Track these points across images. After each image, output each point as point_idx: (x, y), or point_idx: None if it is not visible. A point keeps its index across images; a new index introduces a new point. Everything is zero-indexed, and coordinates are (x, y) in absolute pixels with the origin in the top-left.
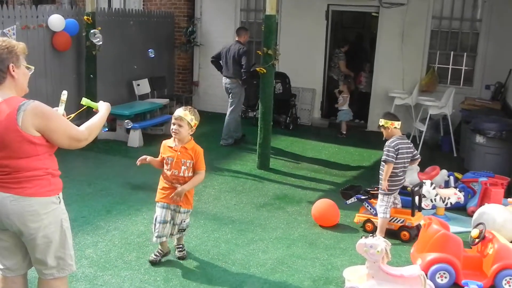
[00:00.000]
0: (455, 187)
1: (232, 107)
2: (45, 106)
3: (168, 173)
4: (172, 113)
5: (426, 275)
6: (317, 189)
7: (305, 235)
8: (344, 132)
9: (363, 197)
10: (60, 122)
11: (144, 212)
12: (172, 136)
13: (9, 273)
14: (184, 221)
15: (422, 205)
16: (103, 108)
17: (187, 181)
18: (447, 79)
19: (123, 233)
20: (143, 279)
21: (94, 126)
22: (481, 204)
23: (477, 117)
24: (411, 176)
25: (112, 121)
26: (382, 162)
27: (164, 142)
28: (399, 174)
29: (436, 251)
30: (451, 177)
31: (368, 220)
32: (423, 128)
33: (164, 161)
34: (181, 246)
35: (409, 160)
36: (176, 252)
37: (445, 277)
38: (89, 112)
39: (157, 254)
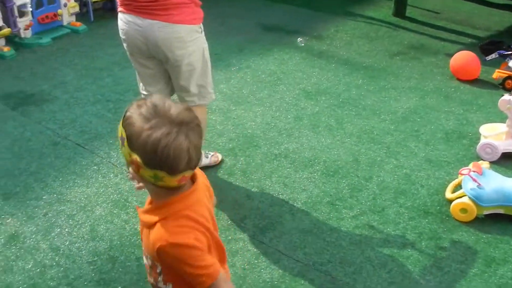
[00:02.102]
0: None
1: None
2: None
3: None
4: None
5: None
6: (456, 42)
7: (440, 88)
8: None
9: (506, 53)
10: None
11: (275, 53)
12: None
13: None
14: None
15: None
16: None
17: None
18: None
19: (254, 71)
20: (274, 116)
21: None
22: None
23: None
24: None
25: None
26: None
27: None
28: None
29: None
30: None
31: (509, 77)
32: None
33: None
34: None
35: None
36: None
37: None
38: None
39: None
